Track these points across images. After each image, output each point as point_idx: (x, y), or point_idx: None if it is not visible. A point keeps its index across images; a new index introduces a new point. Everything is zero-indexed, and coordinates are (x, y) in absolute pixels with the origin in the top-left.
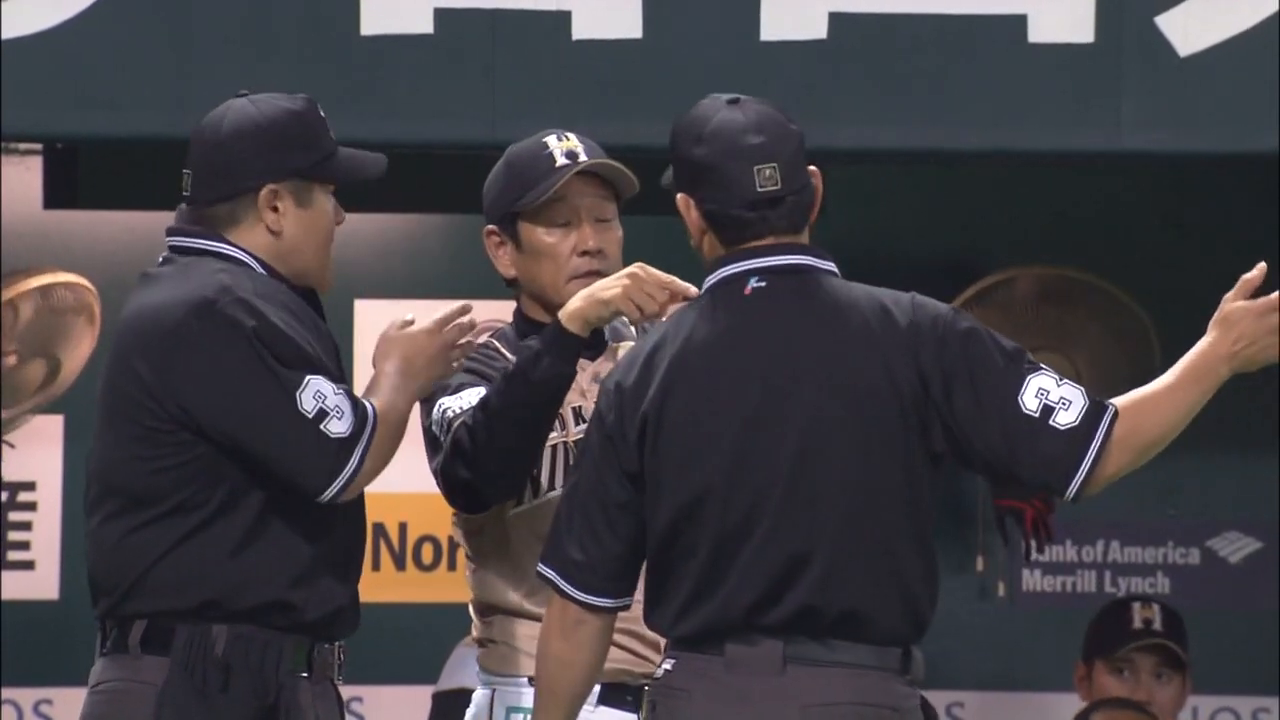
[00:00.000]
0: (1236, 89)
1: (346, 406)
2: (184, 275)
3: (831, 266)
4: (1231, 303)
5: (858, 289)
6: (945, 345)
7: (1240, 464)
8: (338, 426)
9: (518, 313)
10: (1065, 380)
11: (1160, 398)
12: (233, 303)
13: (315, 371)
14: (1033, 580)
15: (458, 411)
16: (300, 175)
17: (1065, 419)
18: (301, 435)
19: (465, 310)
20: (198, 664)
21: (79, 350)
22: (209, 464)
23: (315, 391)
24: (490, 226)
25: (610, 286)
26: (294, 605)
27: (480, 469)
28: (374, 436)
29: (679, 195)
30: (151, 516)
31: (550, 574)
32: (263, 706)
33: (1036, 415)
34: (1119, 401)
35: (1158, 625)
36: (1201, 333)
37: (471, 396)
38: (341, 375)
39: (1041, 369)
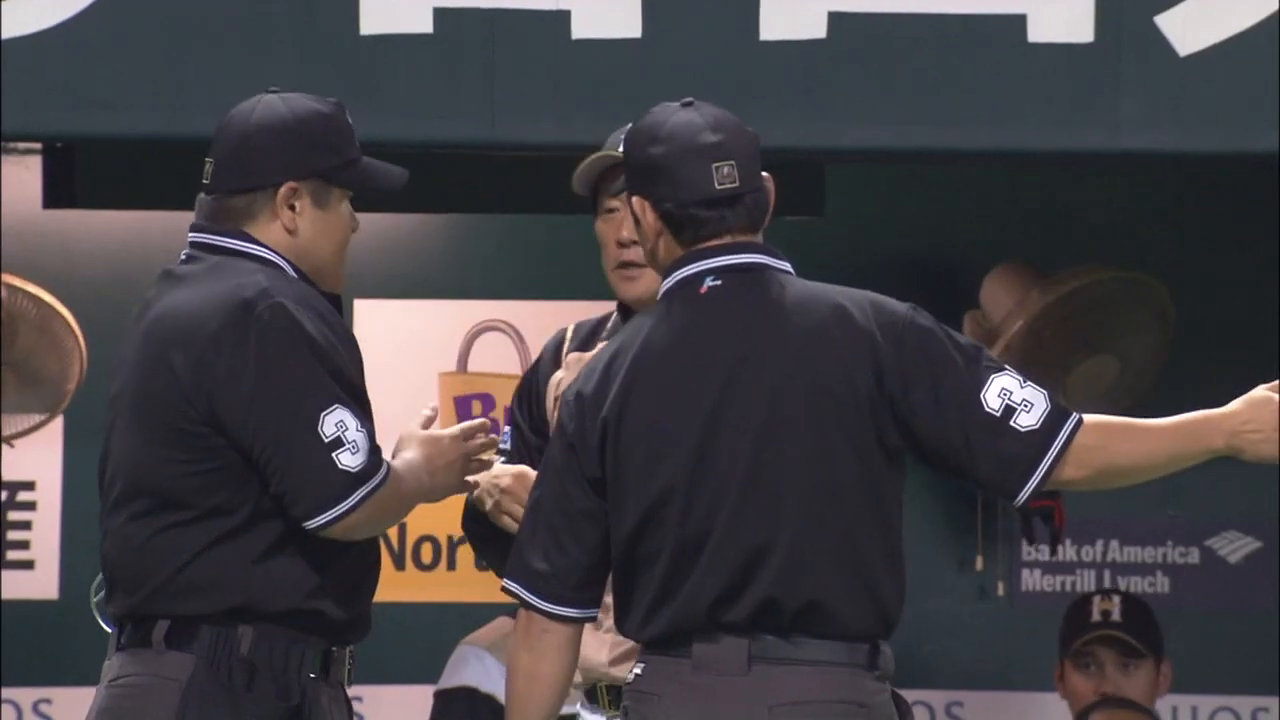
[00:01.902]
0: (1236, 88)
1: (364, 445)
2: (217, 276)
3: (786, 266)
4: (1265, 389)
5: (815, 287)
6: (903, 344)
7: (1240, 463)
8: (349, 460)
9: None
10: (1029, 382)
11: (1145, 431)
12: (272, 307)
13: (342, 399)
14: (1032, 580)
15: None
16: (322, 177)
17: (1026, 421)
18: (311, 456)
19: (485, 427)
20: (223, 661)
21: (41, 364)
22: (240, 470)
23: (338, 420)
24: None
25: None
26: (318, 610)
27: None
28: (382, 487)
29: (634, 199)
30: (184, 519)
31: (515, 587)
32: (288, 708)
33: (998, 415)
34: (1099, 418)
35: (1116, 616)
36: (1203, 331)
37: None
38: (363, 381)
39: (1005, 369)
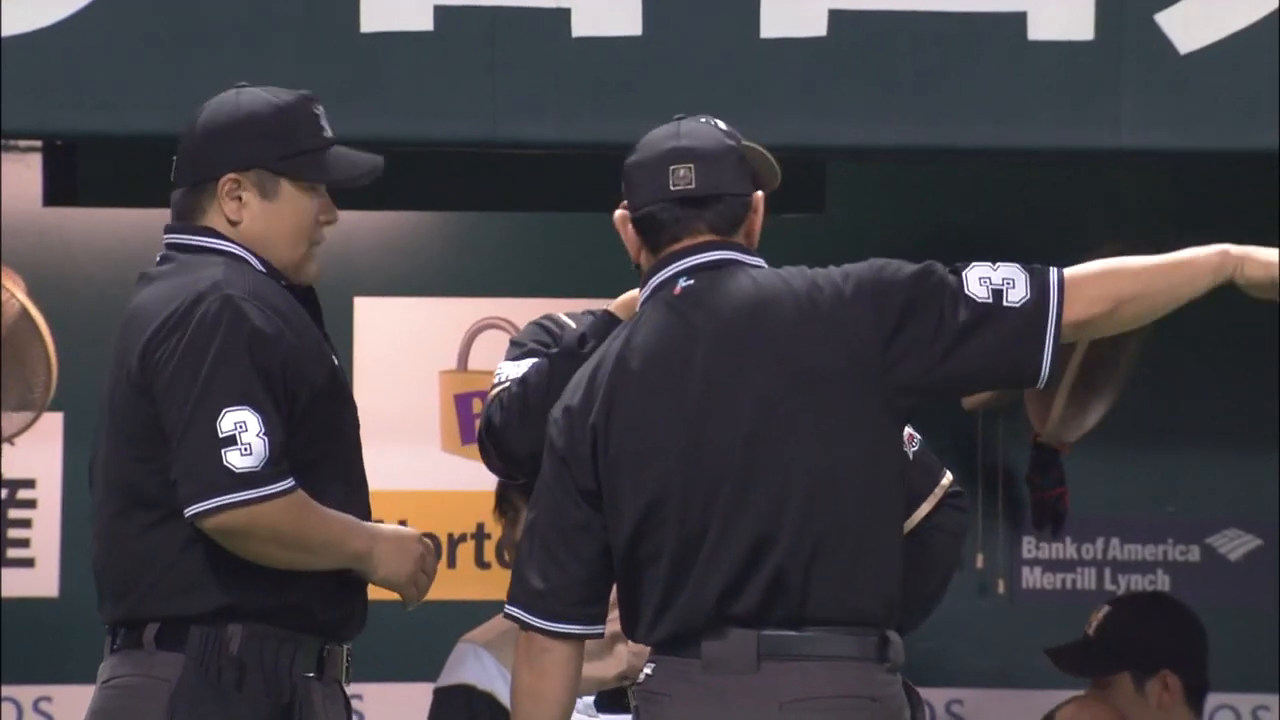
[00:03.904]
0: (1236, 86)
1: (260, 451)
2: (181, 273)
3: (758, 261)
4: None
5: (784, 273)
6: (880, 299)
7: (1240, 461)
8: (236, 459)
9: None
10: (999, 263)
11: (1139, 260)
12: (219, 300)
13: (254, 401)
14: (1032, 577)
15: (504, 379)
16: (265, 168)
17: (1016, 296)
18: (199, 445)
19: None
20: (213, 661)
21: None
22: None
23: (239, 420)
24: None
25: None
26: (307, 608)
27: (508, 439)
28: (271, 500)
29: (619, 213)
30: (155, 518)
31: (515, 610)
32: (278, 705)
33: (990, 301)
34: (1103, 260)
35: (1091, 630)
36: (1200, 331)
37: (525, 367)
38: (325, 376)
39: (972, 263)
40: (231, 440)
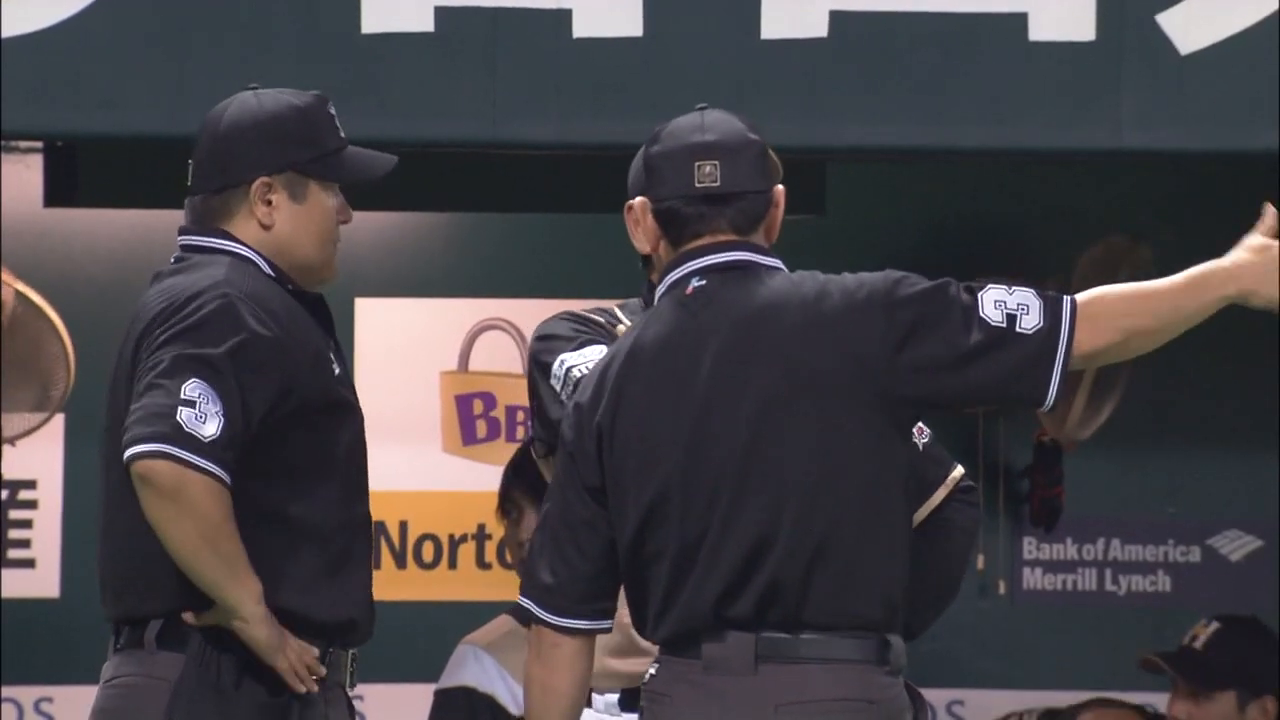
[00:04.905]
0: (1237, 87)
1: (211, 428)
2: (188, 272)
3: (775, 262)
4: (1260, 236)
5: (797, 277)
6: (892, 311)
7: (1241, 462)
8: (188, 418)
9: (648, 284)
10: (1014, 286)
11: (1153, 289)
12: (217, 298)
13: (223, 389)
14: (1033, 578)
15: (583, 372)
16: (296, 170)
17: (1030, 322)
18: (157, 399)
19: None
20: (213, 661)
21: (28, 363)
22: None
23: (203, 393)
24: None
25: None
26: (307, 612)
27: None
28: (198, 471)
29: (638, 201)
30: None
31: (526, 603)
32: (277, 706)
33: (1004, 325)
34: (1098, 289)
35: (1199, 644)
36: (1200, 331)
37: (593, 354)
38: (331, 384)
39: (987, 285)
40: (190, 403)
